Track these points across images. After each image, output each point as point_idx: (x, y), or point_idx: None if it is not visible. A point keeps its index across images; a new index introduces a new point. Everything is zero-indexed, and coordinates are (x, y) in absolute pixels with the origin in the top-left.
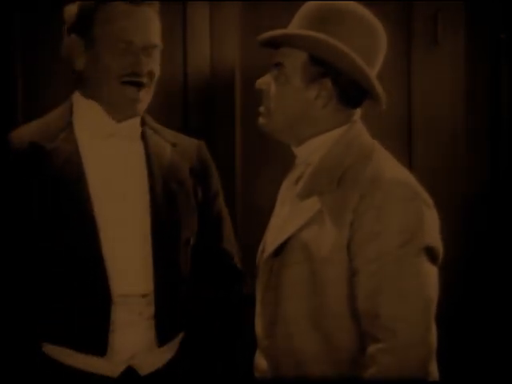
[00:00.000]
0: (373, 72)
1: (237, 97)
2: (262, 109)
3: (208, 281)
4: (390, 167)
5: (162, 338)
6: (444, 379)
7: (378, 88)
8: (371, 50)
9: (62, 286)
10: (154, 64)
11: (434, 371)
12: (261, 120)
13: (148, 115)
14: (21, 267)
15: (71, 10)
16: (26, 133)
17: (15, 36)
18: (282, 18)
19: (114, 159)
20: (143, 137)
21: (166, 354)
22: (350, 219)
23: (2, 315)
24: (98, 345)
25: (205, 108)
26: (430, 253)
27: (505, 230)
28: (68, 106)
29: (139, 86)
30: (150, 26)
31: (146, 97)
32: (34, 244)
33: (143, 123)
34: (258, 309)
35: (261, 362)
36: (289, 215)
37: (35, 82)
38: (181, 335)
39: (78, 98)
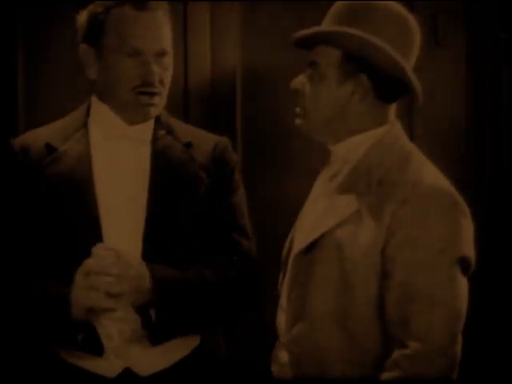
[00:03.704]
0: (408, 65)
1: (237, 97)
2: (297, 110)
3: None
4: (431, 173)
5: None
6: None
7: (415, 82)
8: (405, 44)
9: (63, 285)
10: (165, 72)
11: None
12: (297, 121)
13: (166, 113)
14: (23, 264)
15: (82, 18)
16: (42, 134)
17: (17, 36)
18: (283, 19)
19: (122, 161)
20: (153, 139)
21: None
22: (388, 222)
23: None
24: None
25: (205, 108)
26: (464, 264)
27: (505, 229)
28: (85, 107)
29: (152, 94)
30: (160, 31)
31: (159, 101)
32: (37, 245)
33: (158, 124)
34: (284, 304)
35: (281, 354)
36: (323, 212)
37: (36, 82)
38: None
39: (94, 100)
